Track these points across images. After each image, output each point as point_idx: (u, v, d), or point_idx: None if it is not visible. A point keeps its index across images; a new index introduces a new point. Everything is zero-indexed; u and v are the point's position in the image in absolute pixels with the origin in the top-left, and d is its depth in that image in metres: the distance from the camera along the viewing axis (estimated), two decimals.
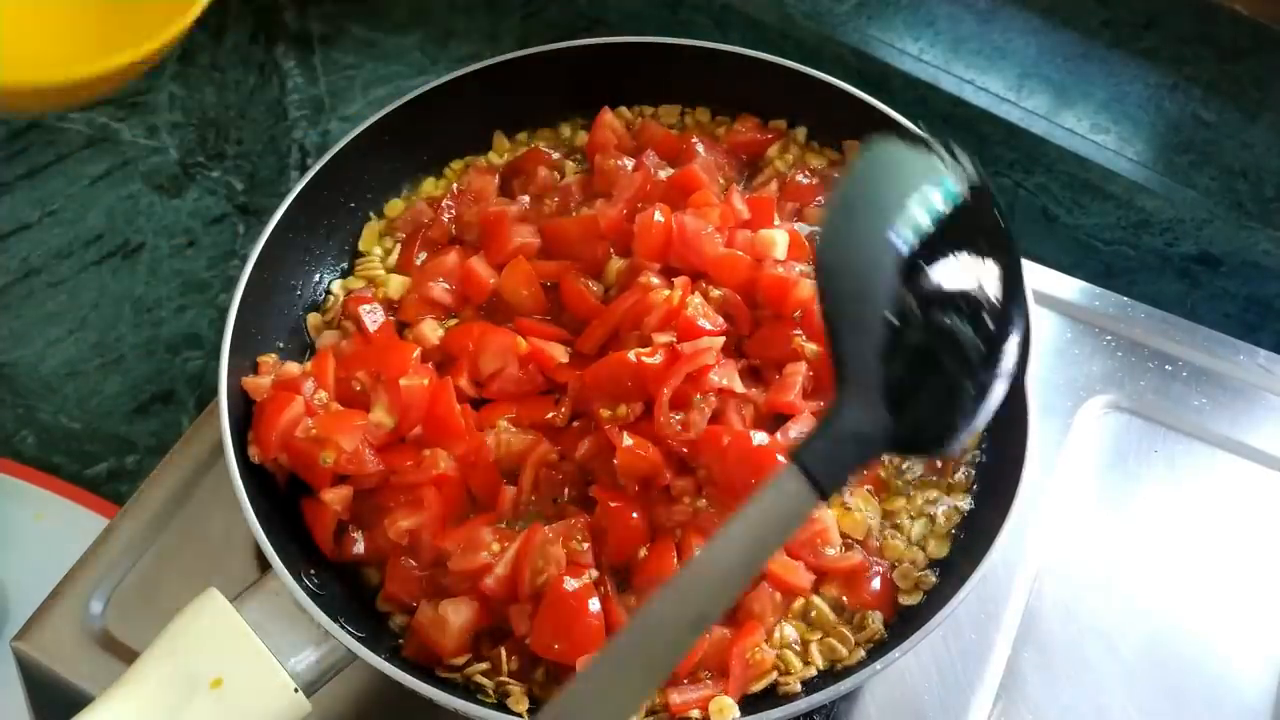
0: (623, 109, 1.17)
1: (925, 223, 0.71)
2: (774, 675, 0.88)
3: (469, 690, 0.87)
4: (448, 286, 1.06)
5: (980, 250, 0.72)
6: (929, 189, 0.72)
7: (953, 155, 0.75)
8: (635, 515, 0.91)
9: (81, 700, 0.80)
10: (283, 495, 0.95)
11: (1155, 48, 1.41)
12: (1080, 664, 0.98)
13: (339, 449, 0.91)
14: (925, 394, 0.70)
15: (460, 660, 0.88)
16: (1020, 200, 1.37)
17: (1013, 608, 1.01)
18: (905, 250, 0.70)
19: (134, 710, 0.79)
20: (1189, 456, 1.10)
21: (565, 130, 1.19)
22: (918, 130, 0.94)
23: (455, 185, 1.14)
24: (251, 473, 0.93)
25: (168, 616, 0.85)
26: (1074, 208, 1.36)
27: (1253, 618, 1.01)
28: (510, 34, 1.55)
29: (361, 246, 1.12)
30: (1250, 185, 1.33)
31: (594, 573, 0.89)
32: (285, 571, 0.85)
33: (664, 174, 1.07)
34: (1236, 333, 1.17)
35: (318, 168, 1.06)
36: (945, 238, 0.71)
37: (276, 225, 1.02)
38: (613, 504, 0.91)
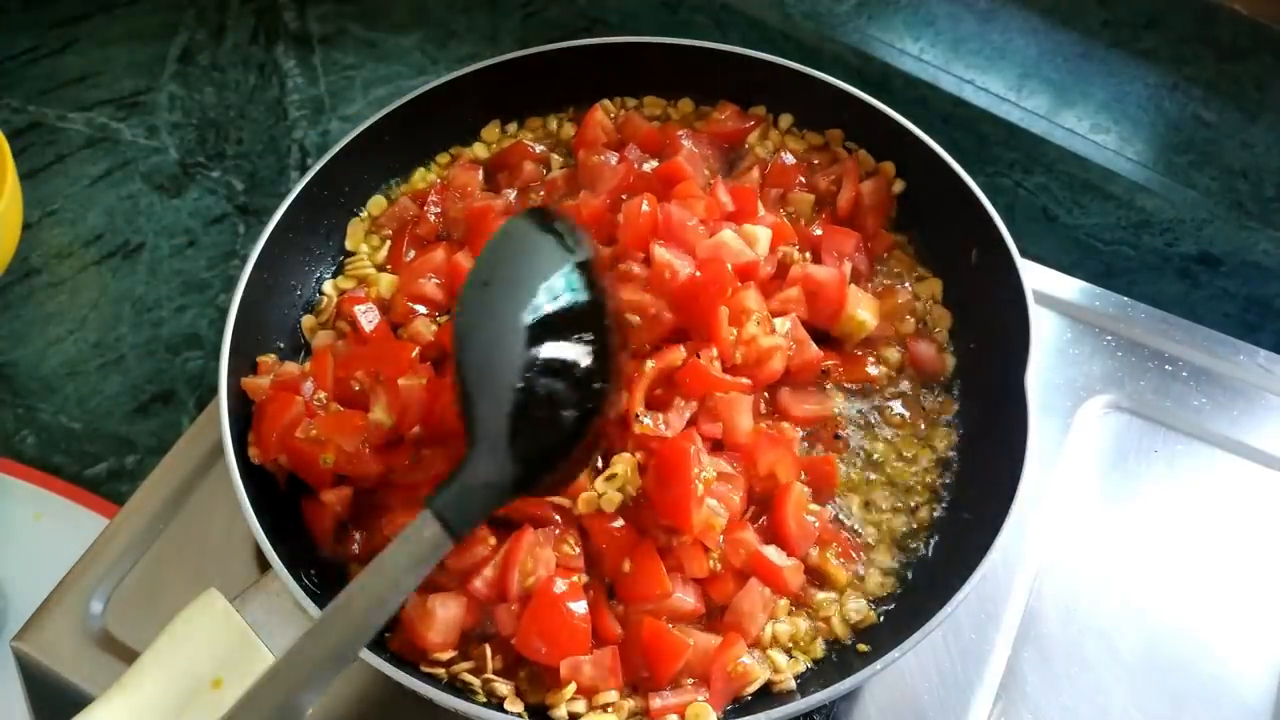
0: (606, 101, 1.17)
1: (549, 309, 0.84)
2: (764, 678, 0.88)
3: (456, 690, 0.87)
4: (438, 282, 1.06)
5: (583, 325, 0.85)
6: (555, 278, 0.85)
7: (575, 235, 0.90)
8: (620, 521, 0.91)
9: (81, 700, 0.80)
10: (283, 495, 0.95)
11: (1155, 48, 1.42)
12: (1080, 664, 0.98)
13: (340, 450, 0.91)
14: (542, 446, 0.82)
15: (445, 656, 0.88)
16: (1020, 200, 1.37)
17: (1013, 608, 1.01)
18: (531, 330, 0.82)
19: (135, 710, 0.79)
20: (1189, 456, 1.10)
21: (552, 123, 1.19)
22: (552, 212, 0.97)
23: (439, 179, 1.14)
24: (251, 473, 0.93)
25: (168, 616, 0.85)
26: (1074, 208, 1.36)
27: (1252, 618, 1.01)
28: (510, 34, 1.56)
29: (349, 245, 1.12)
30: (1250, 185, 1.33)
31: (583, 577, 0.90)
32: (285, 572, 0.85)
33: (648, 167, 1.08)
34: (1236, 333, 1.17)
35: (317, 168, 1.06)
36: (560, 318, 0.84)
37: (276, 225, 1.02)
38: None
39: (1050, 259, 1.24)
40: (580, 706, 0.86)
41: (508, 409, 0.80)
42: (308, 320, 1.07)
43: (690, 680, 0.88)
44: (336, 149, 1.07)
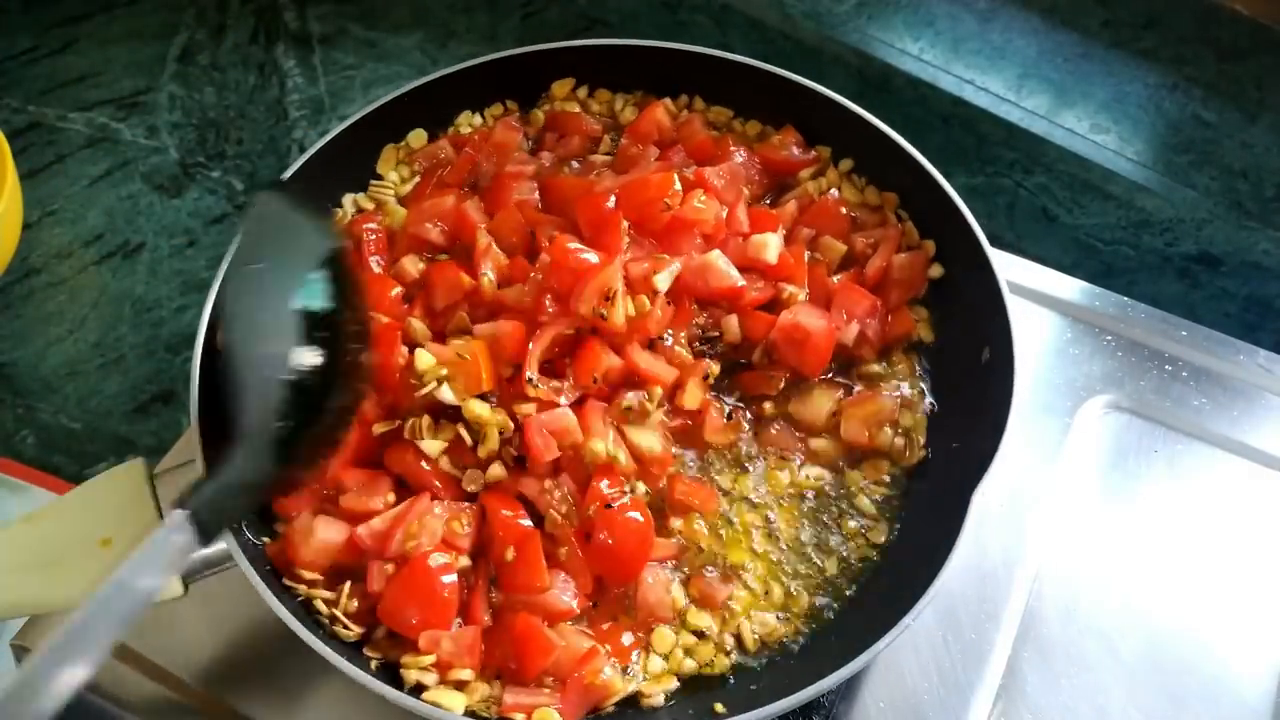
0: (668, 101, 1.17)
1: (314, 301, 0.82)
2: (625, 693, 0.88)
3: (310, 616, 0.88)
4: (442, 228, 1.07)
5: (339, 317, 0.84)
6: (319, 268, 0.84)
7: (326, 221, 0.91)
8: (514, 502, 0.92)
9: (81, 700, 0.80)
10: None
11: (1155, 48, 1.42)
12: (1080, 664, 0.98)
13: None
14: (301, 445, 0.80)
15: (309, 576, 0.89)
16: (1020, 200, 1.37)
17: (1013, 608, 1.01)
18: (299, 324, 0.80)
19: (26, 544, 0.85)
20: (1189, 456, 1.10)
21: (618, 102, 1.19)
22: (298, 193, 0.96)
23: (487, 127, 1.16)
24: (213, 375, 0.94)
25: (168, 616, 0.85)
26: (1074, 208, 1.36)
27: (1252, 618, 1.01)
28: (510, 34, 1.56)
29: (379, 168, 1.14)
30: (1250, 185, 1.33)
31: (465, 560, 0.90)
32: (202, 460, 0.87)
33: (688, 172, 1.06)
34: (1236, 333, 1.17)
35: (310, 154, 1.08)
36: (322, 311, 0.83)
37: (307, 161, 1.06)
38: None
39: (1050, 259, 1.24)
40: (430, 679, 0.85)
41: (275, 405, 0.77)
42: None
43: (552, 680, 0.87)
44: (431, 78, 1.10)
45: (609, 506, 0.90)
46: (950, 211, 1.03)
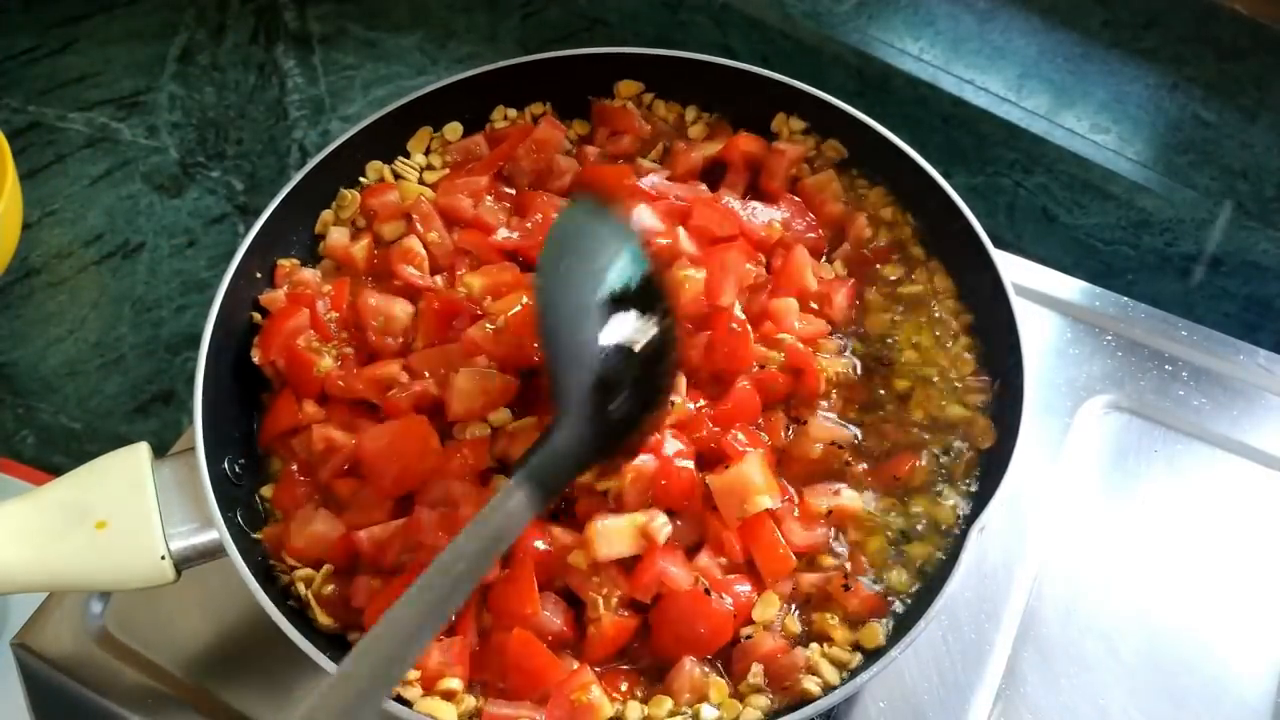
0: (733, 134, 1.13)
1: (619, 288, 0.87)
2: (611, 713, 0.84)
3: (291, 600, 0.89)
4: (473, 203, 1.06)
5: (648, 303, 0.87)
6: (622, 259, 0.88)
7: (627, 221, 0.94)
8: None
9: (81, 700, 0.80)
10: (235, 392, 0.99)
11: (1155, 48, 1.42)
12: (1080, 664, 0.98)
13: (329, 369, 0.96)
14: (619, 418, 0.84)
15: (292, 562, 0.90)
16: (1020, 200, 1.38)
17: (1013, 607, 1.01)
18: (606, 308, 0.86)
19: (24, 520, 0.85)
20: (1189, 456, 1.09)
21: (690, 113, 1.15)
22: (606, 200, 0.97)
23: (527, 123, 1.13)
24: (216, 365, 0.95)
25: (167, 616, 0.85)
26: (1074, 208, 1.36)
27: (1253, 618, 1.01)
28: (510, 34, 1.55)
29: (409, 145, 1.12)
30: (1250, 185, 1.33)
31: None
32: (202, 449, 0.88)
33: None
34: (1236, 333, 1.17)
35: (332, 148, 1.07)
36: (629, 296, 0.87)
37: (271, 215, 1.04)
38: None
39: (1050, 259, 1.24)
40: (412, 693, 0.83)
41: (588, 383, 0.84)
42: (326, 214, 1.08)
43: (537, 694, 0.85)
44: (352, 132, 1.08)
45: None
46: (951, 212, 1.03)
